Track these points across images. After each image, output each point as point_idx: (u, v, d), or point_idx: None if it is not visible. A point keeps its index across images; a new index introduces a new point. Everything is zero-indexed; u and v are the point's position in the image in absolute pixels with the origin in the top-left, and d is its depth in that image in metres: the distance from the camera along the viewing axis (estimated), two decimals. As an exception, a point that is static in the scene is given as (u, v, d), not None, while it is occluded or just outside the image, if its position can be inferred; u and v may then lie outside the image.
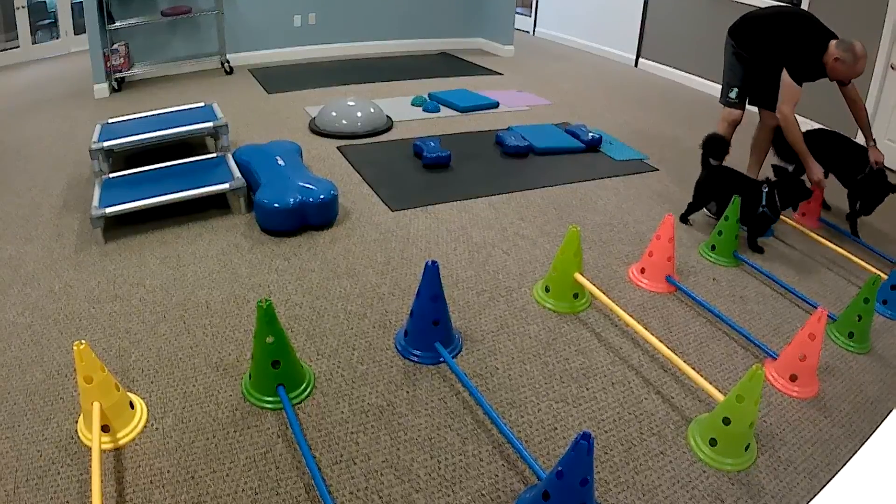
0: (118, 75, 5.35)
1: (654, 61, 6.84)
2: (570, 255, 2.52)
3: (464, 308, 2.57)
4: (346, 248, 2.98)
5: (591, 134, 4.42)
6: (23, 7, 6.19)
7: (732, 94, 3.51)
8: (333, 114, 4.49)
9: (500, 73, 6.38)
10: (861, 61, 3.06)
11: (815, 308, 2.20)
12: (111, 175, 3.34)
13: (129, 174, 3.36)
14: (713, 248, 3.06)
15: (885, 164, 4.48)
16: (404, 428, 1.97)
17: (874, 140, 3.29)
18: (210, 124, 3.58)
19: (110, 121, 3.80)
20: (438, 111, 5.04)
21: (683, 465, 1.89)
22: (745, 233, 3.20)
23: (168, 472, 1.77)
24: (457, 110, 5.09)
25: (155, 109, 3.96)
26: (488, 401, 2.04)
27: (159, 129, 3.51)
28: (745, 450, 1.90)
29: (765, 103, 3.51)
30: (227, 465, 1.80)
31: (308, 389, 2.09)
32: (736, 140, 3.57)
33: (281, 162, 3.38)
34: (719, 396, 1.95)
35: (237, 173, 3.29)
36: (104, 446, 1.80)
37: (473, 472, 1.83)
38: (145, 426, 1.92)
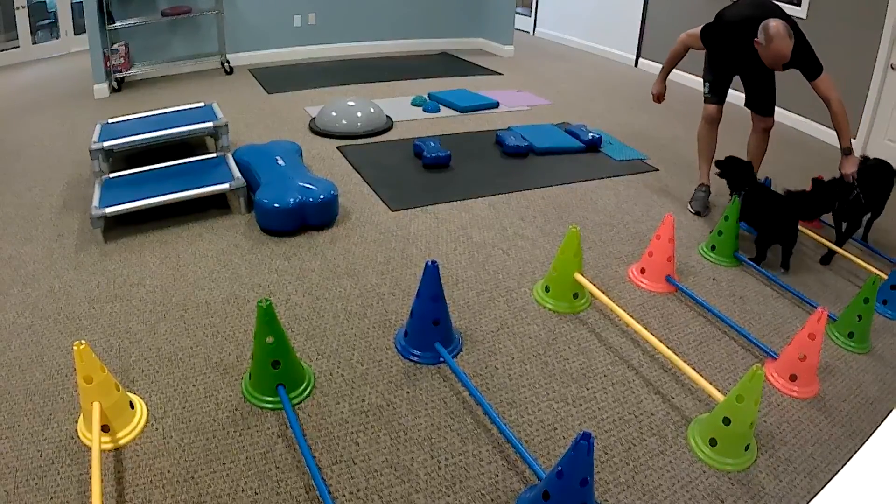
0: (118, 75, 5.35)
1: (654, 61, 6.84)
2: (569, 255, 2.52)
3: (464, 308, 2.57)
4: (346, 248, 2.98)
5: (591, 134, 4.42)
6: (23, 7, 6.19)
7: (705, 89, 3.49)
8: (333, 114, 4.49)
9: (500, 73, 6.38)
10: (775, 42, 2.84)
11: (815, 308, 2.20)
12: (111, 175, 3.34)
13: (129, 174, 3.36)
14: (713, 248, 3.06)
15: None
16: (404, 428, 1.97)
17: (848, 149, 3.04)
18: (210, 124, 3.58)
19: (110, 121, 3.80)
20: (438, 111, 5.04)
21: (683, 465, 1.89)
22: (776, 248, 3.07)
23: (168, 472, 1.77)
24: (457, 110, 5.09)
25: (155, 109, 3.97)
26: (488, 401, 2.04)
27: (159, 129, 3.51)
28: (745, 450, 1.90)
29: (755, 107, 3.48)
30: (227, 465, 1.80)
31: (308, 389, 2.09)
32: (732, 139, 3.58)
33: (281, 162, 3.38)
34: (719, 396, 1.95)
35: (237, 173, 3.29)
36: (104, 446, 1.80)
37: (473, 472, 1.83)
38: (145, 426, 1.92)
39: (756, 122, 3.51)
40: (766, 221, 2.98)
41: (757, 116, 3.49)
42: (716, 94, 3.46)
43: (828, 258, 3.12)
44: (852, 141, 3.13)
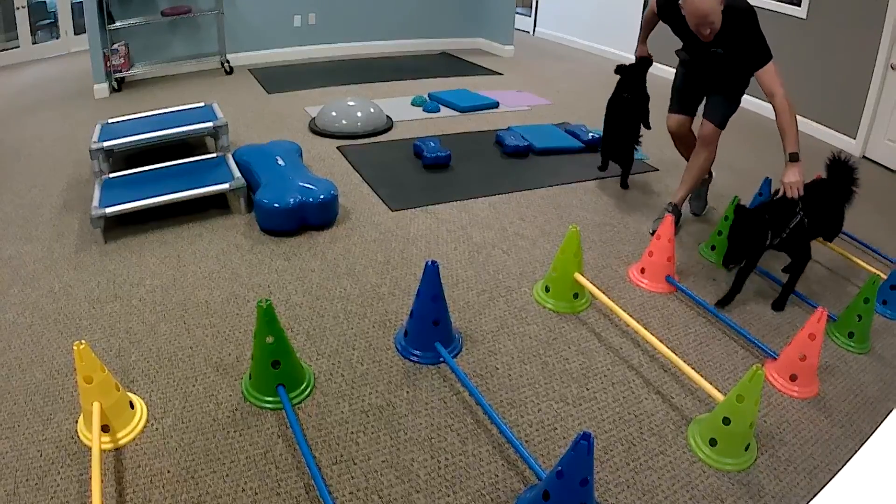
0: (118, 75, 5.35)
1: (654, 61, 6.84)
2: (570, 255, 2.52)
3: (464, 308, 2.57)
4: (346, 248, 2.98)
5: (591, 134, 4.42)
6: (23, 7, 6.19)
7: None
8: (333, 114, 4.49)
9: (500, 73, 6.38)
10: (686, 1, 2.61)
11: (815, 308, 2.20)
12: (111, 175, 3.34)
13: (129, 174, 3.36)
14: (713, 248, 3.06)
15: (886, 165, 4.45)
16: (404, 428, 1.97)
17: (794, 154, 2.59)
18: (210, 124, 3.58)
19: (110, 121, 3.80)
20: (438, 111, 5.04)
21: (683, 465, 1.89)
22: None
23: (168, 472, 1.77)
24: (457, 110, 5.09)
25: (155, 109, 3.96)
26: (488, 401, 2.04)
27: (159, 129, 3.51)
28: (745, 450, 1.90)
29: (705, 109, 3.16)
30: (227, 465, 1.80)
31: (308, 389, 2.09)
32: (731, 143, 3.56)
33: (281, 162, 3.38)
34: (719, 396, 1.95)
35: (237, 173, 3.29)
36: (104, 446, 1.80)
37: (473, 472, 1.83)
38: (145, 426, 1.92)
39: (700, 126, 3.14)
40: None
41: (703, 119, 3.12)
42: (676, 102, 3.23)
43: (779, 304, 2.69)
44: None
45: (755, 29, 2.72)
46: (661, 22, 3.16)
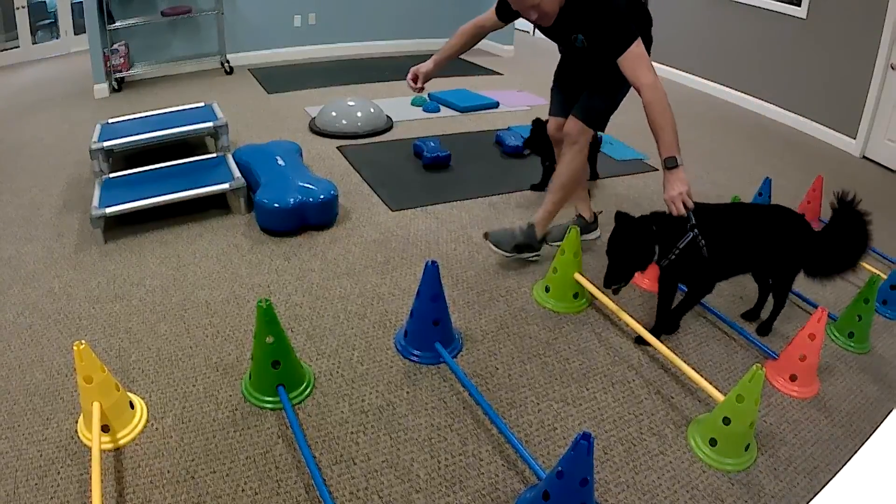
0: (118, 75, 5.35)
1: (653, 61, 6.84)
2: (570, 255, 2.53)
3: (464, 308, 2.57)
4: (346, 248, 2.98)
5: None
6: (23, 7, 6.19)
7: None
8: (333, 114, 4.49)
9: (500, 73, 6.38)
10: None
11: (815, 308, 2.20)
12: (111, 175, 3.34)
13: (129, 174, 3.36)
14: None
15: (886, 165, 4.44)
16: (404, 428, 1.97)
17: (671, 159, 2.15)
18: (210, 124, 3.58)
19: (110, 121, 3.80)
20: (438, 111, 5.04)
21: (683, 465, 1.89)
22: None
23: (168, 472, 1.77)
24: (457, 110, 5.09)
25: (155, 109, 3.96)
26: (488, 401, 2.04)
27: (159, 129, 3.51)
28: (745, 450, 1.90)
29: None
30: (227, 465, 1.80)
31: (308, 389, 2.09)
32: (731, 143, 3.56)
33: (281, 162, 3.38)
34: (719, 396, 1.95)
35: (237, 173, 3.29)
36: (104, 446, 1.80)
37: (473, 472, 1.83)
38: (145, 426, 1.92)
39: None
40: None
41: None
42: (552, 104, 2.87)
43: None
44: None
45: (612, 9, 2.24)
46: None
